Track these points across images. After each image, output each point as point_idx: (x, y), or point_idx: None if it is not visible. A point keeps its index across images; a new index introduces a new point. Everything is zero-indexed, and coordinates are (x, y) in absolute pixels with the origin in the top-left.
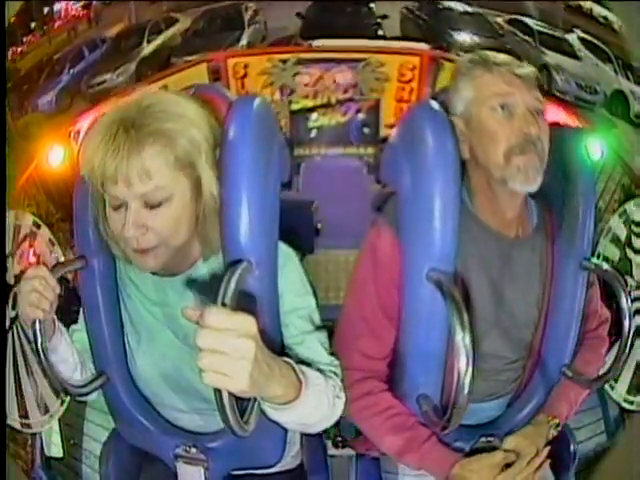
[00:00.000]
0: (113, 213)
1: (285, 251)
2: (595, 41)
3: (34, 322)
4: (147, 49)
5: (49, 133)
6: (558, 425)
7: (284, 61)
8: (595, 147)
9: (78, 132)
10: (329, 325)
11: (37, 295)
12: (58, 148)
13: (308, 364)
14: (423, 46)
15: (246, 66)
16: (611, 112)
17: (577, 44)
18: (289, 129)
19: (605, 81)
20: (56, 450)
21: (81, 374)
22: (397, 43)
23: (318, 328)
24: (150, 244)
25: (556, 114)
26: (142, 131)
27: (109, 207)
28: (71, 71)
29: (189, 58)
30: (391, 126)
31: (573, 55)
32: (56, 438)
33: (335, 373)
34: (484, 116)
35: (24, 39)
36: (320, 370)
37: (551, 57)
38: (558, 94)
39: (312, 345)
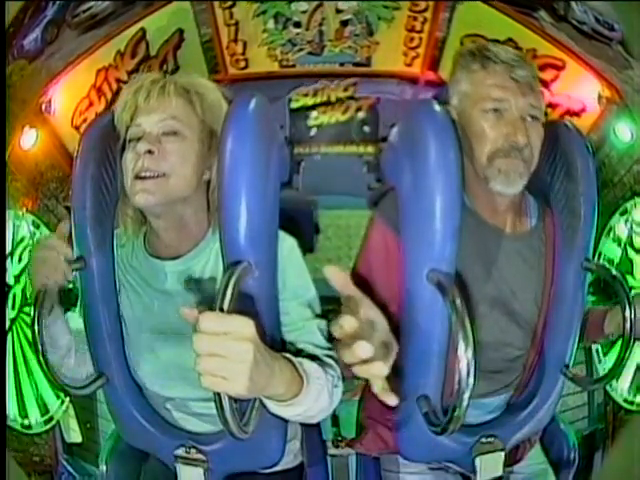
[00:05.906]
0: (130, 152)
1: (288, 240)
2: None
3: (40, 292)
4: None
5: (28, 82)
6: None
7: None
8: (624, 129)
9: (50, 101)
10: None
11: (51, 264)
12: (30, 130)
13: (306, 350)
14: None
15: None
16: (628, 52)
17: None
18: (289, 128)
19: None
20: (75, 435)
21: (75, 359)
22: None
23: (318, 316)
24: (155, 167)
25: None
26: (171, 84)
27: (128, 147)
28: (56, 2)
29: None
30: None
31: None
32: (74, 423)
33: (334, 360)
34: (475, 116)
35: None
36: (318, 357)
37: None
38: (575, 23)
39: (311, 331)
